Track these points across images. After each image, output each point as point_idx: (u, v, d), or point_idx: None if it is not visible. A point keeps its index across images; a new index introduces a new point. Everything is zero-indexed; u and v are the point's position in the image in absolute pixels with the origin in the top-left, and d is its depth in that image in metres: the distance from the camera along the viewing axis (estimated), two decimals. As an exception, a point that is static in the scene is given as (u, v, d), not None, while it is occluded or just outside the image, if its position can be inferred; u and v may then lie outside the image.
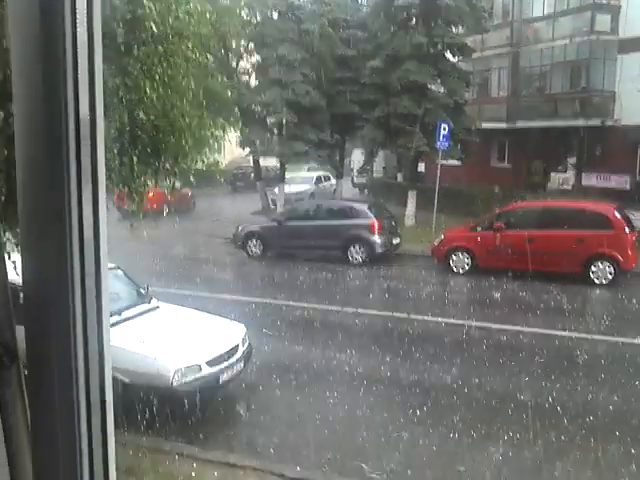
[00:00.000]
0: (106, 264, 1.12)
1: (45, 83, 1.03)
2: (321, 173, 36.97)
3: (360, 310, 13.16)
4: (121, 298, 8.57)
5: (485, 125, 26.24)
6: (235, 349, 8.27)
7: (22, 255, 1.08)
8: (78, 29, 1.04)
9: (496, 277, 15.41)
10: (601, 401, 8.46)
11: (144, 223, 8.62)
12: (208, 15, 9.12)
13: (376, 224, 18.05)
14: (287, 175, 30.14)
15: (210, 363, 7.75)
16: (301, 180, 34.82)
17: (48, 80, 1.03)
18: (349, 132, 29.67)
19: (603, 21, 23.69)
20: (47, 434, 1.09)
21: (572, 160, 25.41)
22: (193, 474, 6.37)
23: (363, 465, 6.71)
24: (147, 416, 6.91)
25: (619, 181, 22.64)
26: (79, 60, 1.05)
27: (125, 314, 8.09)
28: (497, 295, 14.52)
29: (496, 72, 28.84)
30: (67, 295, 1.05)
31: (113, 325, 7.52)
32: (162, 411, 7.12)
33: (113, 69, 7.43)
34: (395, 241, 18.84)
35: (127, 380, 7.09)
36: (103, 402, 1.12)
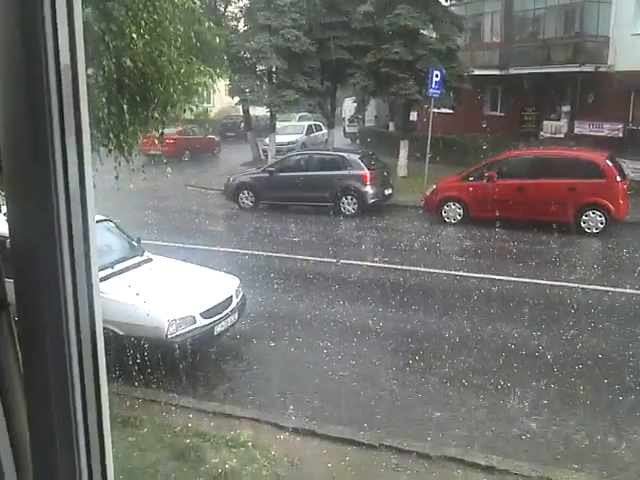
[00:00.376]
0: (93, 216, 1.10)
1: (22, 31, 0.98)
2: (312, 122, 36.56)
3: (352, 261, 13.17)
4: (113, 251, 8.52)
5: (478, 72, 25.84)
6: (229, 300, 8.27)
7: (7, 209, 1.07)
8: None
9: (488, 227, 15.44)
10: (590, 349, 8.55)
11: (140, 173, 8.49)
12: (194, -43, 8.82)
13: (368, 175, 17.92)
14: (278, 125, 29.79)
15: (204, 315, 7.76)
16: (292, 130, 34.43)
17: (25, 28, 0.98)
18: (340, 79, 29.18)
19: (599, -38, 23.19)
20: (40, 385, 1.09)
21: (565, 108, 25.17)
22: (189, 425, 6.42)
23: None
24: (142, 368, 6.94)
25: (612, 129, 22.49)
26: (57, 5, 0.99)
27: (118, 267, 8.06)
28: (489, 245, 14.58)
29: (489, 16, 28.26)
30: (55, 249, 1.03)
31: (106, 278, 7.50)
32: (157, 362, 7.15)
33: (97, 14, 7.21)
34: (387, 192, 18.74)
35: (122, 332, 7.09)
36: (95, 353, 1.12)
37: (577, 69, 23.31)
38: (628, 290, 10.99)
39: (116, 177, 8.32)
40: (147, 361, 6.93)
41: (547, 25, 25.45)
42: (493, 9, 27.64)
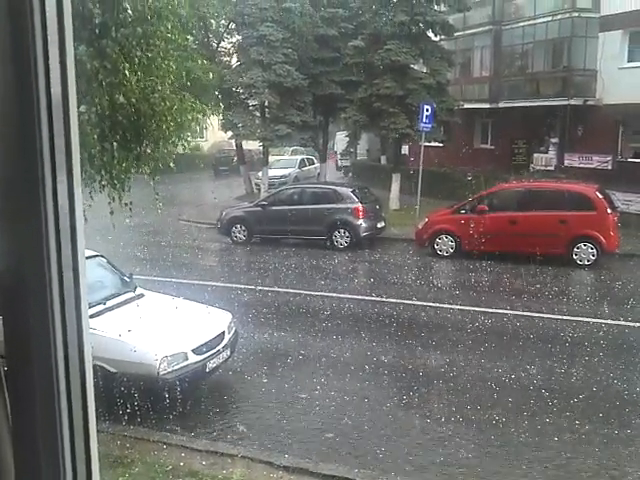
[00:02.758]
0: (83, 253, 1.10)
1: (14, 68, 0.99)
2: (305, 156, 36.83)
3: (346, 295, 13.14)
4: (105, 286, 8.46)
5: (468, 105, 26.19)
6: (221, 336, 8.19)
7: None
8: (47, 6, 0.99)
9: (480, 260, 15.46)
10: (585, 383, 8.49)
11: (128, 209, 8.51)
12: (187, -5, 8.96)
13: (360, 208, 17.98)
14: (270, 158, 29.98)
15: (196, 351, 7.67)
16: (285, 163, 34.66)
17: (17, 65, 0.99)
18: (332, 114, 29.50)
19: (584, -2, 23.69)
20: (28, 425, 1.09)
21: (555, 140, 25.46)
22: (181, 464, 6.31)
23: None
24: (134, 405, 6.84)
25: (601, 161, 22.73)
26: (49, 39, 1.01)
27: (110, 303, 7.98)
28: (482, 278, 14.57)
29: (478, 51, 28.75)
30: (45, 285, 1.03)
31: (98, 314, 7.44)
32: (149, 400, 7.05)
33: (91, 51, 7.27)
34: (380, 225, 18.79)
35: (113, 370, 7.00)
36: (84, 391, 1.12)
37: (566, 102, 23.67)
38: (622, 322, 10.98)
39: (111, 212, 8.32)
40: (138, 398, 6.83)
41: (536, 59, 25.88)
42: (482, 44, 28.11)
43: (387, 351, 9.82)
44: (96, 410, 1.14)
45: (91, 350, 1.14)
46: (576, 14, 23.54)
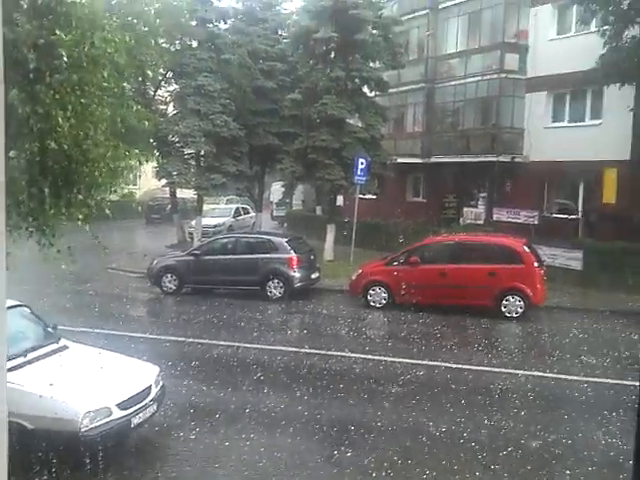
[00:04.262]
0: (4, 304, 1.03)
1: None
2: (240, 205, 36.81)
3: (279, 347, 13.01)
4: (27, 338, 8.13)
5: (401, 160, 26.85)
6: (148, 390, 7.93)
7: None
8: None
9: (413, 311, 15.64)
10: (514, 435, 8.59)
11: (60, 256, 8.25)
12: (125, 43, 8.95)
13: (295, 258, 17.98)
14: (205, 207, 29.80)
15: (121, 406, 7.39)
16: (219, 212, 34.52)
17: None
18: (268, 164, 29.73)
19: (512, 60, 24.84)
20: None
21: (484, 195, 26.30)
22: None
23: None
24: (53, 464, 6.50)
25: (528, 216, 23.55)
26: None
27: (31, 355, 7.66)
28: (414, 330, 14.70)
29: (411, 107, 29.67)
30: None
31: (18, 367, 7.11)
32: (70, 458, 6.73)
33: (23, 96, 7.12)
34: (314, 275, 18.81)
35: (31, 426, 6.67)
36: None
37: (494, 159, 24.58)
38: (548, 374, 11.23)
39: (45, 260, 8.04)
40: (58, 457, 6.49)
41: (466, 116, 26.88)
42: (415, 100, 29.05)
43: (319, 405, 9.71)
44: (11, 470, 1.06)
45: (6, 406, 1.06)
46: (504, 75, 24.69)
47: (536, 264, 15.83)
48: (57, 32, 7.17)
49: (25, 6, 7.22)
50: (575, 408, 9.64)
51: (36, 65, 7.17)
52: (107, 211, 8.59)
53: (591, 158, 20.61)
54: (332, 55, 24.51)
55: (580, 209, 23.08)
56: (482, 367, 11.65)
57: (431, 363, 11.90)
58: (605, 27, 18.15)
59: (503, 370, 11.48)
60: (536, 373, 11.31)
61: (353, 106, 23.88)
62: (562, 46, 22.88)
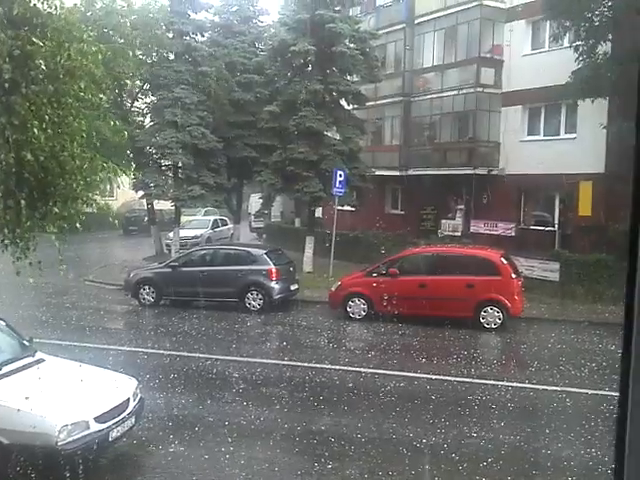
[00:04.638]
0: None
1: None
2: (218, 217, 36.67)
3: (258, 359, 12.93)
4: (2, 351, 8.02)
5: (379, 172, 26.96)
6: (126, 403, 7.83)
7: None
8: None
9: (392, 322, 15.64)
10: (494, 446, 8.61)
11: (32, 269, 8.12)
12: (101, 55, 8.90)
13: (274, 270, 17.91)
14: (183, 219, 29.66)
15: (99, 419, 7.29)
16: (197, 224, 34.34)
17: None
18: (247, 176, 29.67)
19: (488, 74, 25.11)
20: None
21: (461, 207, 26.48)
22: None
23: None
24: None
25: (505, 228, 23.77)
26: None
27: (6, 368, 7.54)
28: (393, 341, 14.71)
29: (389, 121, 29.84)
30: None
31: (-8, 381, 6.97)
32: (48, 473, 6.61)
33: (-1, 107, 7.04)
34: (293, 287, 18.75)
35: (6, 441, 6.55)
36: None
37: (471, 171, 24.78)
38: (527, 385, 11.29)
39: (17, 273, 7.92)
40: (34, 472, 6.37)
41: (443, 130, 27.10)
42: (393, 114, 29.23)
43: (298, 417, 9.66)
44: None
45: None
46: (480, 89, 24.93)
47: (513, 275, 15.94)
48: (36, 42, 7.12)
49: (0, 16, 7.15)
50: (554, 418, 9.70)
51: (11, 76, 7.10)
52: (78, 225, 8.47)
53: (566, 171, 20.86)
54: (310, 68, 24.64)
55: (556, 221, 23.32)
56: (462, 378, 11.67)
57: (411, 374, 11.90)
58: (578, 43, 18.46)
59: (483, 381, 11.51)
60: (515, 384, 11.36)
61: (331, 119, 23.98)
62: (536, 61, 23.18)
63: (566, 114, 23.06)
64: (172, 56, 26.67)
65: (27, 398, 6.96)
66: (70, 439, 6.90)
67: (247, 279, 17.89)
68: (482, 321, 15.67)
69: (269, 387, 11.21)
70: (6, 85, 7.08)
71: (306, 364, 12.54)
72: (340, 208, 23.13)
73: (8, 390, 7.08)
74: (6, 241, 7.87)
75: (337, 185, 21.83)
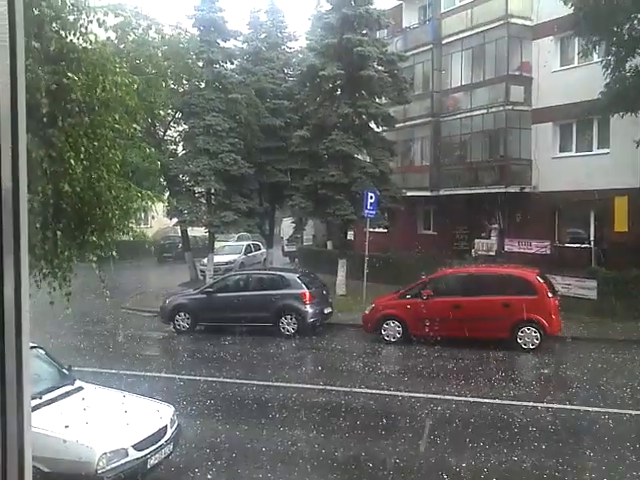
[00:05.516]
0: (27, 345, 1.03)
1: None
2: (251, 242, 36.96)
3: (293, 384, 12.89)
4: (42, 379, 8.12)
5: (410, 193, 26.95)
6: (163, 431, 7.88)
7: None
8: (1, 99, 0.97)
9: (427, 345, 15.50)
10: (536, 469, 8.42)
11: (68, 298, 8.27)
12: (135, 86, 9.11)
13: (307, 294, 17.93)
14: (216, 245, 29.94)
15: (137, 447, 7.34)
16: (230, 249, 34.67)
17: None
18: (278, 201, 29.94)
19: (517, 92, 25.00)
20: None
21: (495, 226, 26.27)
22: None
23: None
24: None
25: (540, 246, 23.47)
26: (1, 131, 0.98)
27: (46, 397, 7.64)
28: (429, 363, 14.57)
29: (419, 141, 29.85)
30: None
31: (33, 409, 7.05)
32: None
33: (37, 140, 7.24)
34: (327, 310, 18.72)
35: (47, 469, 6.62)
36: None
37: (503, 190, 24.61)
38: (567, 406, 11.06)
39: (51, 303, 8.06)
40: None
41: (473, 149, 26.98)
42: (422, 134, 29.24)
43: (336, 442, 9.58)
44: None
45: (31, 449, 1.05)
46: (510, 107, 24.82)
47: (550, 294, 15.70)
48: (72, 76, 7.31)
49: (38, 52, 7.37)
50: (597, 440, 9.46)
51: (49, 109, 7.30)
52: (114, 253, 8.62)
53: (601, 187, 20.60)
54: (339, 92, 24.85)
55: (592, 238, 22.97)
56: (500, 400, 11.48)
57: (448, 397, 11.74)
58: (607, 58, 18.32)
59: (522, 403, 11.31)
60: (555, 405, 11.14)
61: (361, 141, 24.09)
62: (566, 77, 23.08)
63: (598, 129, 22.82)
64: (203, 84, 27.12)
65: (67, 426, 7.04)
66: (109, 467, 6.96)
67: (281, 303, 17.93)
68: (519, 341, 15.42)
69: (305, 412, 11.14)
70: (44, 119, 7.28)
71: (342, 388, 12.47)
72: (372, 230, 23.13)
73: (48, 418, 7.16)
74: (44, 271, 8.03)
75: (368, 207, 21.85)
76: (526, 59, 25.06)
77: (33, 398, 7.25)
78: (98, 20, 8.28)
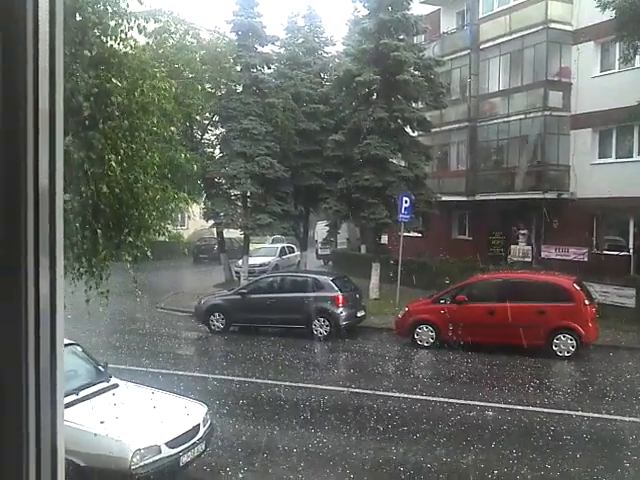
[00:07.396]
0: (62, 342, 1.08)
1: (4, 153, 1.01)
2: (285, 244, 37.09)
3: (326, 386, 12.93)
4: (79, 376, 8.28)
5: (445, 198, 26.77)
6: (196, 429, 7.97)
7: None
8: (40, 100, 1.02)
9: (461, 350, 15.37)
10: (568, 478, 8.32)
11: (104, 297, 8.45)
12: (173, 90, 9.29)
13: (340, 297, 17.95)
14: (251, 247, 30.12)
15: (170, 444, 7.44)
16: (265, 252, 34.82)
17: (7, 150, 1.01)
18: (313, 204, 30.00)
19: (555, 98, 24.69)
20: None
21: (531, 232, 25.94)
22: None
23: None
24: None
25: (577, 253, 23.12)
26: (40, 130, 1.03)
27: (82, 393, 7.79)
28: (462, 369, 14.45)
29: (455, 146, 29.65)
30: (20, 374, 1.01)
31: (70, 405, 7.23)
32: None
33: (77, 142, 7.43)
34: (360, 314, 18.71)
35: (83, 464, 6.75)
36: None
37: (541, 196, 24.28)
38: (604, 415, 10.87)
39: (87, 301, 8.24)
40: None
41: (510, 154, 26.68)
42: (459, 139, 29.03)
43: (368, 445, 9.59)
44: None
45: (63, 443, 1.10)
46: (548, 112, 24.51)
47: (587, 302, 15.44)
48: (113, 80, 7.49)
49: (84, 58, 7.56)
50: (634, 451, 9.29)
51: (90, 113, 7.49)
52: (149, 253, 8.77)
53: (641, 194, 20.23)
54: (374, 96, 24.83)
55: (631, 246, 22.52)
56: (534, 408, 11.34)
57: (482, 404, 11.64)
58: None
59: (556, 411, 11.16)
60: (591, 414, 10.96)
61: (396, 146, 24.01)
62: (606, 82, 22.69)
63: (639, 135, 22.40)
64: (240, 88, 27.35)
65: (102, 422, 7.18)
66: (142, 463, 7.07)
67: (314, 306, 17.97)
68: (555, 349, 15.21)
69: (337, 414, 11.16)
70: (85, 122, 7.47)
71: (374, 392, 12.45)
72: (406, 234, 23.04)
73: (84, 414, 7.31)
74: (82, 269, 8.21)
75: (403, 211, 21.77)
76: (565, 64, 24.71)
77: (69, 394, 7.43)
78: (138, 26, 8.47)
